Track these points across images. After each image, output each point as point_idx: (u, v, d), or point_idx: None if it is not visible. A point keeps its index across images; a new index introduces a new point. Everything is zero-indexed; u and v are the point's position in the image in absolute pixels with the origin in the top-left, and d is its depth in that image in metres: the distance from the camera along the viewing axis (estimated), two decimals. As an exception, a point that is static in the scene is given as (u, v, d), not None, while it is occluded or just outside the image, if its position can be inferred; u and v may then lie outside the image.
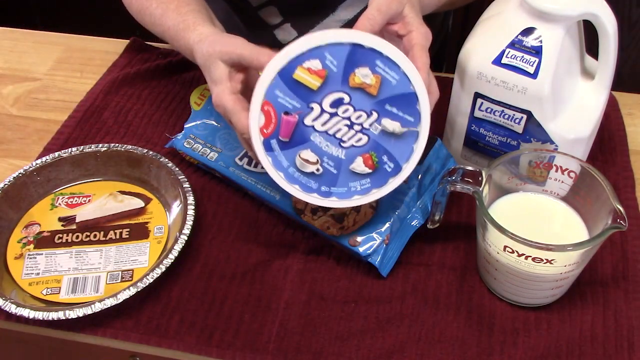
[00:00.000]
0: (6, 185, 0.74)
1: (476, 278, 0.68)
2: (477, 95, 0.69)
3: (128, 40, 0.99)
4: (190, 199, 0.72)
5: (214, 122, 0.78)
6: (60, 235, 0.72)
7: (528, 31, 0.66)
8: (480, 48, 0.69)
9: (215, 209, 0.75)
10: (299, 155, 0.58)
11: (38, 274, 0.68)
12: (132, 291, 0.64)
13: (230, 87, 0.60)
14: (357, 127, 0.57)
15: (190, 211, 0.71)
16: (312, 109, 0.57)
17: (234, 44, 0.60)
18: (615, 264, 0.68)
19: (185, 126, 0.79)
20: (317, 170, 0.57)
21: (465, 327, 0.64)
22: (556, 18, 0.65)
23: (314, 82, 0.56)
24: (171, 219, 0.73)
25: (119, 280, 0.68)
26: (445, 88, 0.69)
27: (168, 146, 0.80)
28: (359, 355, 0.63)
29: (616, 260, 0.69)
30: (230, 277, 0.69)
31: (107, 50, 0.98)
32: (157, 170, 0.76)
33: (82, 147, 0.78)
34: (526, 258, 0.59)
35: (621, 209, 0.59)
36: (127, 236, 0.72)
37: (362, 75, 0.57)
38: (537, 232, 0.60)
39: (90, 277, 0.68)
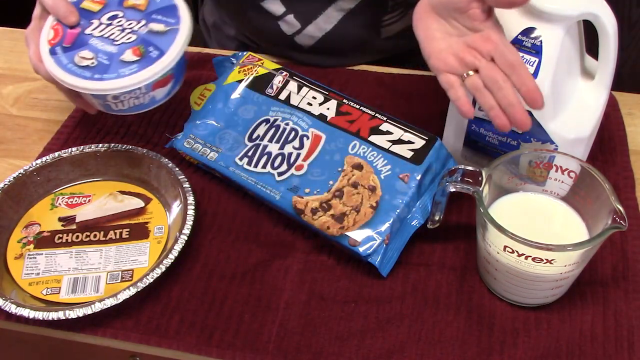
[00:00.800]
0: (6, 185, 0.74)
1: (476, 278, 0.68)
2: (477, 95, 0.69)
3: (128, 40, 0.99)
4: (190, 199, 0.72)
5: (214, 122, 0.78)
6: (60, 235, 0.72)
7: (528, 31, 0.66)
8: (480, 48, 0.68)
9: (215, 209, 0.75)
10: (78, 55, 0.71)
11: (38, 274, 0.68)
12: (132, 291, 0.64)
13: (37, 24, 0.75)
14: (127, 31, 0.73)
15: (190, 211, 0.71)
16: (92, 23, 0.74)
17: None
18: (615, 264, 0.68)
19: (185, 126, 0.79)
20: (92, 63, 0.70)
21: (465, 327, 0.64)
22: (556, 18, 0.65)
23: (95, 7, 0.75)
24: (171, 219, 0.73)
25: (119, 280, 0.68)
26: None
27: (168, 146, 0.80)
28: (359, 355, 0.63)
29: (616, 260, 0.69)
30: (230, 277, 0.69)
31: (107, 50, 0.98)
32: (157, 170, 0.76)
33: (82, 147, 0.78)
34: (526, 258, 0.59)
35: (621, 209, 0.59)
36: (127, 236, 0.72)
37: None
38: (537, 232, 0.60)
39: (90, 277, 0.68)
